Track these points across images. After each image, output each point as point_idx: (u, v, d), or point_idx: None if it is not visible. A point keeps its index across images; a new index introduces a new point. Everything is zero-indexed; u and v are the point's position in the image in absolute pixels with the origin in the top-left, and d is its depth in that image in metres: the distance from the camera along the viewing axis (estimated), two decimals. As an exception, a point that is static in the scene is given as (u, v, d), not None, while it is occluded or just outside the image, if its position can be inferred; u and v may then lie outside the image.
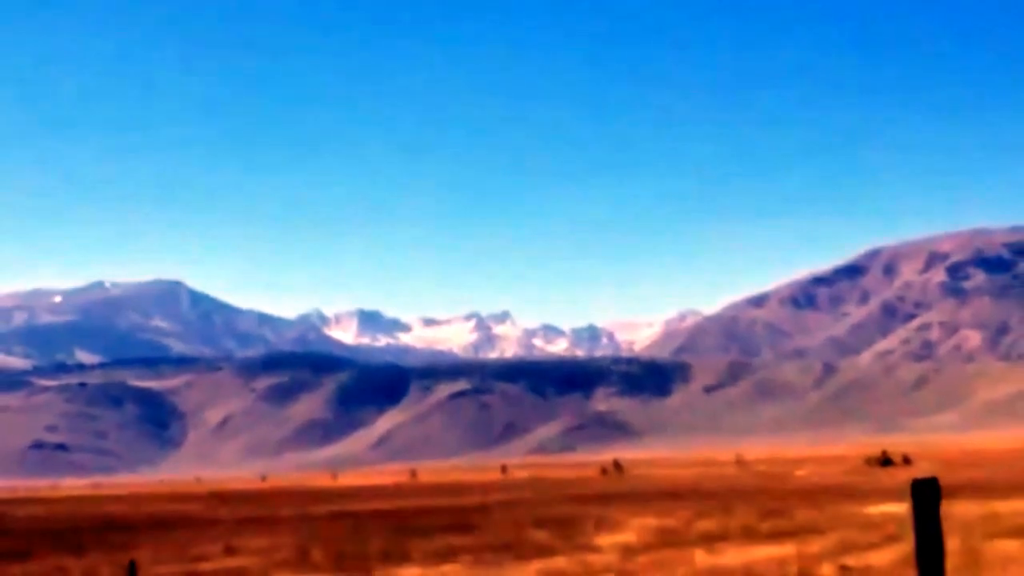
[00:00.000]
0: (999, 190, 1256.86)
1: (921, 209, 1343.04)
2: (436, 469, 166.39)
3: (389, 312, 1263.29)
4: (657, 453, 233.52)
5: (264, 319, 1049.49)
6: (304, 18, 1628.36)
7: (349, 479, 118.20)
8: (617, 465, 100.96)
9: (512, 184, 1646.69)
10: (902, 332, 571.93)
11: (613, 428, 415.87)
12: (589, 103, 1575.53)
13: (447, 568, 22.27)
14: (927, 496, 9.40)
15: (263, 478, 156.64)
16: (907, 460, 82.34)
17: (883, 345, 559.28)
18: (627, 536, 27.55)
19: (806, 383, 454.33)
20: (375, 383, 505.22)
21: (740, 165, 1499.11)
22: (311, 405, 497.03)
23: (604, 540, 26.74)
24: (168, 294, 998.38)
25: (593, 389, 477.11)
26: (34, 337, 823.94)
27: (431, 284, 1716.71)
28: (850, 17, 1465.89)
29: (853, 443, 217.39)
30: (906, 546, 22.26)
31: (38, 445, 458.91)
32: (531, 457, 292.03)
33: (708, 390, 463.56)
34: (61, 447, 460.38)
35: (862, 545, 22.94)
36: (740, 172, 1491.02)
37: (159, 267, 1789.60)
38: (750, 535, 26.04)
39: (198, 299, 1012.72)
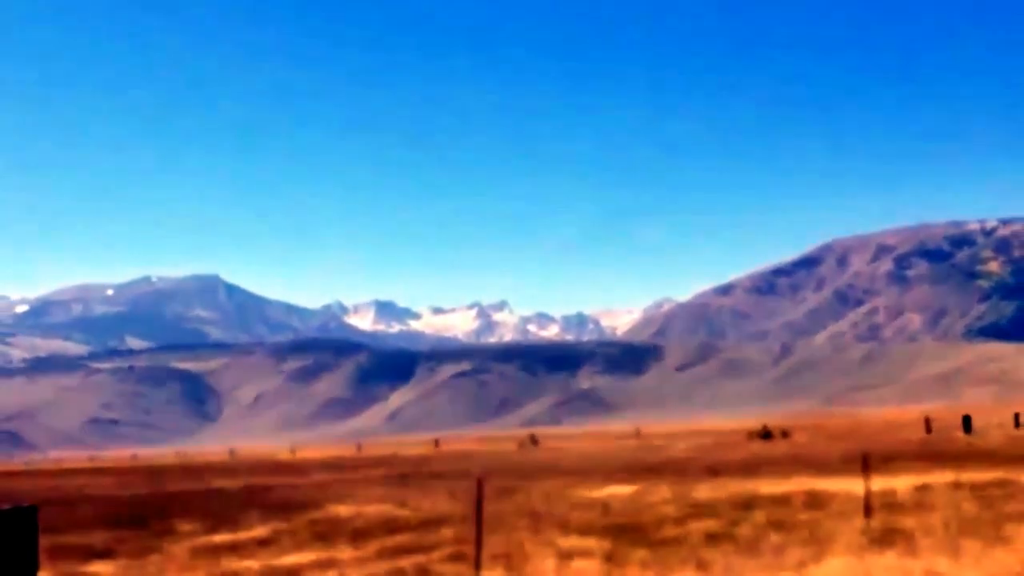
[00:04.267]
0: (940, 189, 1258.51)
1: (871, 206, 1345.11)
2: (386, 444, 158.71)
3: (402, 302, 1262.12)
4: (630, 425, 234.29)
5: (291, 309, 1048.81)
6: (320, 26, 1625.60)
7: (305, 453, 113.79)
8: (533, 439, 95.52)
9: (511, 188, 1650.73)
10: (852, 316, 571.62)
11: (595, 403, 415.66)
12: (585, 116, 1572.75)
13: None
14: (15, 529, 7.23)
15: (231, 452, 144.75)
16: (785, 433, 75.04)
17: (835, 328, 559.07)
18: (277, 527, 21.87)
19: (766, 361, 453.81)
20: (388, 365, 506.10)
21: (712, 169, 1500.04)
22: (332, 384, 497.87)
23: (258, 531, 21.60)
24: (207, 287, 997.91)
25: (578, 369, 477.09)
26: (89, 325, 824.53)
27: (439, 277, 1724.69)
28: (812, 19, 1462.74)
29: (807, 414, 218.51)
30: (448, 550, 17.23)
31: (94, 420, 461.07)
32: (522, 429, 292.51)
33: (680, 369, 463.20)
34: (113, 422, 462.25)
35: (419, 546, 17.86)
36: (712, 176, 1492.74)
37: (199, 263, 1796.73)
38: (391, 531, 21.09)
39: (233, 291, 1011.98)
